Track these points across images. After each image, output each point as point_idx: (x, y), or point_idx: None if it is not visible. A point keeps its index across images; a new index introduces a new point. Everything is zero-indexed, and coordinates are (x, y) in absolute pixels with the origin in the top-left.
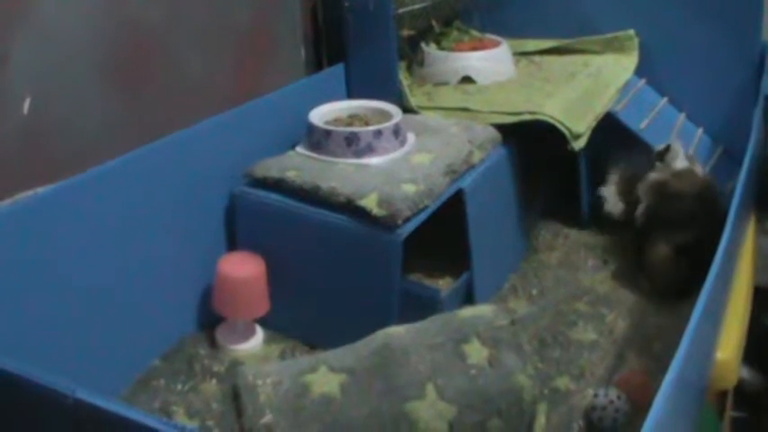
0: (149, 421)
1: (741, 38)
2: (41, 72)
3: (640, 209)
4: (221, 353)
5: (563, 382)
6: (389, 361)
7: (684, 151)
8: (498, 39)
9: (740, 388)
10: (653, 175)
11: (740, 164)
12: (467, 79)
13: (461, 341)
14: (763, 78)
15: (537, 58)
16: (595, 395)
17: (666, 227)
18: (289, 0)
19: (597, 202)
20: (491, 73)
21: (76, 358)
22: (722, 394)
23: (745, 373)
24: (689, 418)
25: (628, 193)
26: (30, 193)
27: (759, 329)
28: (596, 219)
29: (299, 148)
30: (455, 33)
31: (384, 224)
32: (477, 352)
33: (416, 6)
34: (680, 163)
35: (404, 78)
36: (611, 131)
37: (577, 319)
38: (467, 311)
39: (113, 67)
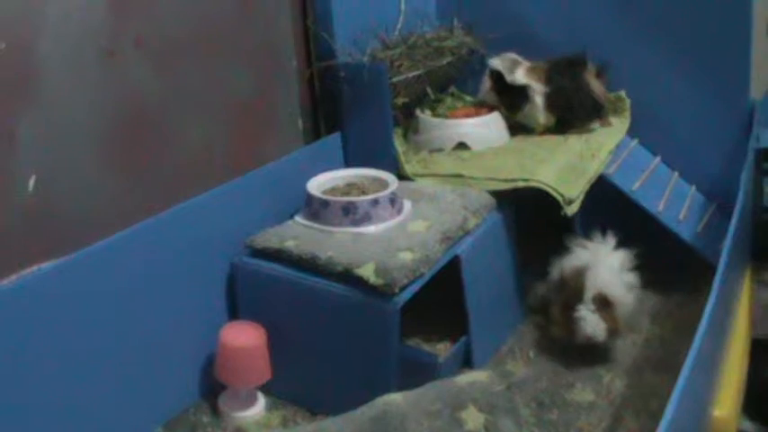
0: None
1: (730, 96)
2: (46, 150)
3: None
4: (224, 420)
5: None
6: (388, 428)
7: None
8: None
9: None
10: None
11: None
12: (461, 145)
13: (458, 408)
14: (752, 134)
15: None
16: None
17: None
18: (286, 71)
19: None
20: (485, 139)
21: (81, 429)
22: None
23: (748, 425)
24: None
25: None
26: (34, 268)
27: (760, 381)
28: None
29: (297, 218)
30: (449, 100)
31: (381, 293)
32: (473, 418)
33: (411, 74)
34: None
35: (399, 145)
36: (604, 193)
37: (575, 380)
38: (463, 378)
39: (115, 143)
